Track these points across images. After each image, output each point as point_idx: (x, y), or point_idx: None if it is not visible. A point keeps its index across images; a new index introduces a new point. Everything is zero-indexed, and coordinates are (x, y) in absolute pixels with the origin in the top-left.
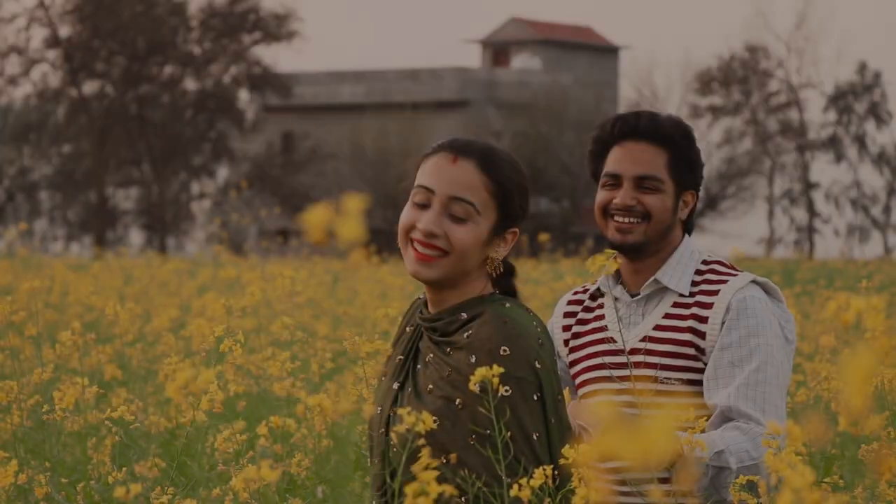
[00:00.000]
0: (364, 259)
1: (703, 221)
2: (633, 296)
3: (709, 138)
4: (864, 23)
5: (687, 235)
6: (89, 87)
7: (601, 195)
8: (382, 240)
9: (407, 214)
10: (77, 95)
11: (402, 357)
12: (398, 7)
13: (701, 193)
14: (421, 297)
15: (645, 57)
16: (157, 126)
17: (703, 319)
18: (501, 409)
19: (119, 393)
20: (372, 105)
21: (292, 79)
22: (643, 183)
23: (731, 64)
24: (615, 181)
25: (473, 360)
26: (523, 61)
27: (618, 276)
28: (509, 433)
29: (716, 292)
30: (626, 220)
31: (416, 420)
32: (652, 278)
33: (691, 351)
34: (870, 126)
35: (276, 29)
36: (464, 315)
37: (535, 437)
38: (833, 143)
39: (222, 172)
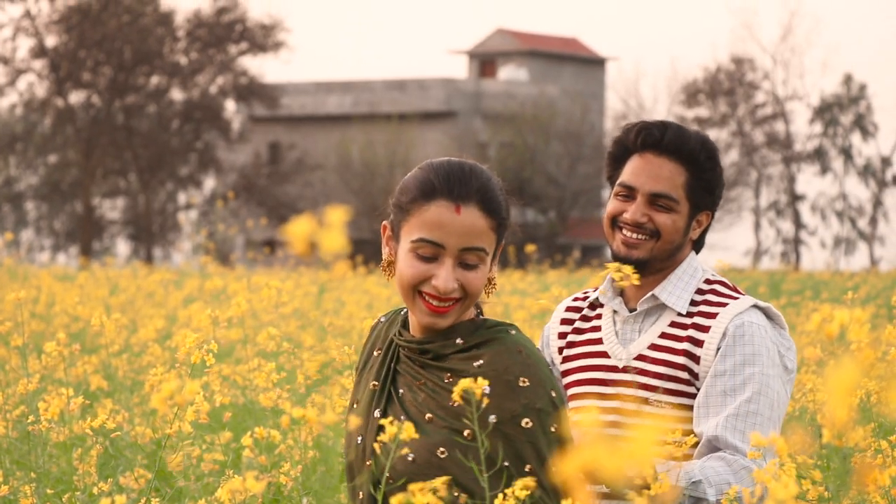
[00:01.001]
0: (348, 270)
1: None
2: (631, 311)
3: None
4: (849, 35)
5: (693, 253)
6: (76, 97)
7: (612, 205)
8: (369, 250)
9: (412, 268)
10: (63, 105)
11: (377, 383)
12: (385, 18)
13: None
14: (383, 319)
15: (632, 68)
16: (144, 136)
17: (699, 343)
18: (521, 441)
19: (105, 403)
20: (359, 116)
21: (279, 89)
22: (657, 200)
23: (718, 76)
24: (629, 193)
25: (488, 390)
26: (510, 72)
27: (619, 289)
28: (528, 466)
29: (714, 315)
30: (635, 235)
31: (398, 429)
32: (650, 293)
33: (684, 375)
34: (855, 138)
35: (263, 39)
36: (459, 340)
37: (552, 470)
38: (819, 155)
39: (209, 183)
